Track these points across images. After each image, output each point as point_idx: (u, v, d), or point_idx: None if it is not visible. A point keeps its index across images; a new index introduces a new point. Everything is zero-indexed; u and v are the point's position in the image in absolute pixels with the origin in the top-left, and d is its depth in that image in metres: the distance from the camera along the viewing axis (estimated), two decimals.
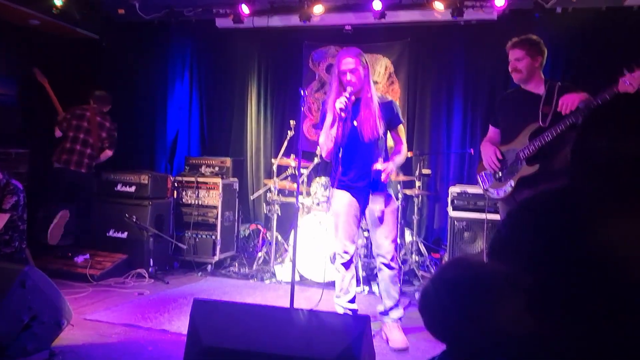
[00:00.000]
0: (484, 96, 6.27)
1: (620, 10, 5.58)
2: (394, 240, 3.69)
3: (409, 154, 6.02)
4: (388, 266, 3.66)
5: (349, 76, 3.49)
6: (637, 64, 2.83)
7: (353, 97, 3.49)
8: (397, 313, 3.73)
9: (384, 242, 3.65)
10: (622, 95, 2.82)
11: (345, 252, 3.70)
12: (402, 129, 3.80)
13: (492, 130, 3.74)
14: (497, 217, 4.99)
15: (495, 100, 3.77)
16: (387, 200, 3.66)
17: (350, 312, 3.77)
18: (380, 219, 3.61)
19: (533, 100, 3.40)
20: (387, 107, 3.66)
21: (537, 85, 3.44)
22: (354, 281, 3.82)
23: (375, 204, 3.63)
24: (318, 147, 5.82)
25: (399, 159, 3.68)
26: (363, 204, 3.69)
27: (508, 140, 3.49)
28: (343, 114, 3.39)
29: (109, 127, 6.05)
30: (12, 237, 4.54)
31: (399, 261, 4.73)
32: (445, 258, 5.39)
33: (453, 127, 6.39)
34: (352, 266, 3.77)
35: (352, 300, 3.80)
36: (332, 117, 3.51)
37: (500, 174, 3.49)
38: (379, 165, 3.50)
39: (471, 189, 5.22)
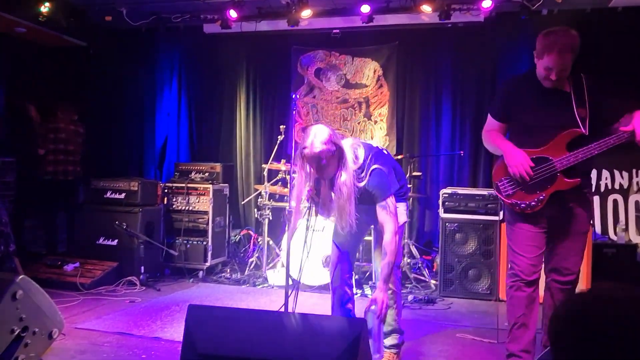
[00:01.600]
0: (472, 98, 6.31)
1: (605, 12, 5.65)
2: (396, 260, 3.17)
3: (399, 157, 6.04)
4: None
5: (317, 173, 3.03)
6: None
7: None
8: (391, 340, 3.33)
9: (377, 255, 3.28)
10: None
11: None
12: (386, 206, 3.03)
13: (496, 125, 3.18)
14: (488, 217, 5.02)
15: (498, 89, 3.17)
16: None
17: None
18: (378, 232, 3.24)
19: (562, 97, 2.95)
20: (368, 189, 3.05)
21: (564, 83, 2.99)
22: (351, 309, 3.39)
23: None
24: None
25: (388, 264, 3.00)
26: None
27: (536, 144, 2.99)
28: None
29: (82, 132, 6.40)
30: None
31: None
32: (437, 260, 5.39)
33: (442, 129, 6.42)
34: (347, 290, 3.38)
35: None
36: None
37: (528, 185, 2.98)
38: (373, 307, 3.00)
39: (462, 191, 5.24)
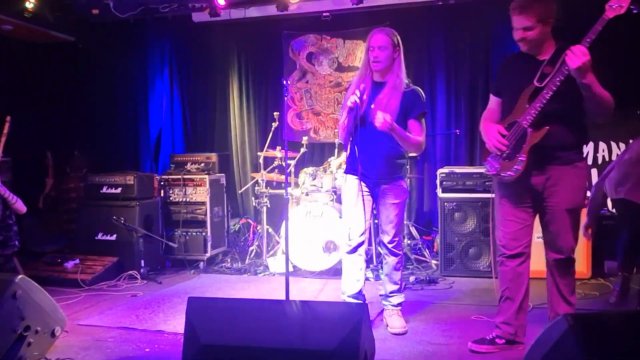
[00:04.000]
0: (466, 76, 6.27)
1: None
2: (397, 226, 3.63)
3: None
4: (391, 252, 3.66)
5: (375, 52, 3.45)
6: None
7: (365, 97, 3.43)
8: (397, 299, 3.73)
9: (386, 227, 3.64)
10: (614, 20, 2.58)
11: (350, 240, 3.65)
12: (421, 119, 3.57)
13: (493, 101, 3.29)
14: (486, 195, 5.01)
15: (497, 67, 3.31)
16: (397, 190, 3.60)
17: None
18: (385, 207, 3.62)
19: (535, 63, 2.98)
20: (409, 95, 3.51)
21: (545, 51, 2.97)
22: (362, 273, 3.73)
23: (386, 195, 3.60)
24: (304, 137, 5.81)
25: (407, 134, 3.46)
26: (374, 191, 3.64)
27: (508, 112, 3.08)
28: (354, 108, 3.41)
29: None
30: None
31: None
32: (437, 240, 5.39)
33: (437, 108, 6.39)
34: (360, 257, 3.69)
35: (355, 296, 3.73)
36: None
37: (507, 152, 3.03)
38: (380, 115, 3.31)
39: (459, 170, 5.22)
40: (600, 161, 5.74)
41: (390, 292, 3.73)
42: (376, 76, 3.56)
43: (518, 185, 3.06)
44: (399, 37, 3.53)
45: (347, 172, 3.72)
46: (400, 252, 3.71)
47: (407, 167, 3.80)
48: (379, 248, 5.54)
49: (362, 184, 3.61)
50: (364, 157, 3.54)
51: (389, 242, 3.66)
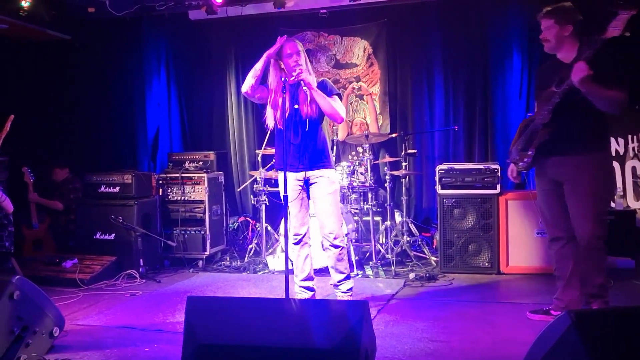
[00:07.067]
0: (464, 71, 6.25)
1: None
2: (333, 218, 3.86)
3: (393, 135, 6.03)
4: (332, 245, 3.89)
5: (294, 57, 3.89)
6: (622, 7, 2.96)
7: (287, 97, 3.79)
8: (345, 286, 3.96)
9: (326, 221, 3.87)
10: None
11: (296, 235, 3.95)
12: (336, 99, 3.90)
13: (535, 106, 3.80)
14: (486, 191, 5.00)
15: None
16: (327, 181, 3.88)
17: (305, 291, 3.97)
18: (320, 200, 3.88)
19: (560, 67, 3.39)
20: (321, 85, 3.90)
21: (567, 52, 3.40)
22: (309, 260, 4.00)
23: (315, 186, 3.89)
24: None
25: (324, 96, 3.81)
26: (307, 185, 3.93)
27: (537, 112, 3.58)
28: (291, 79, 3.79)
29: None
30: None
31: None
32: (437, 237, 5.38)
33: (435, 105, 6.37)
34: (306, 246, 4.00)
35: (307, 279, 3.99)
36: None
37: (522, 145, 3.59)
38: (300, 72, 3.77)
39: (458, 166, 5.20)
40: None
41: (338, 282, 3.95)
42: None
43: (541, 174, 3.57)
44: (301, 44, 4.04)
45: (278, 168, 4.06)
46: (341, 244, 3.91)
47: (332, 159, 4.08)
48: (366, 245, 5.59)
49: (296, 177, 3.89)
50: (292, 152, 3.85)
51: (328, 234, 3.87)
